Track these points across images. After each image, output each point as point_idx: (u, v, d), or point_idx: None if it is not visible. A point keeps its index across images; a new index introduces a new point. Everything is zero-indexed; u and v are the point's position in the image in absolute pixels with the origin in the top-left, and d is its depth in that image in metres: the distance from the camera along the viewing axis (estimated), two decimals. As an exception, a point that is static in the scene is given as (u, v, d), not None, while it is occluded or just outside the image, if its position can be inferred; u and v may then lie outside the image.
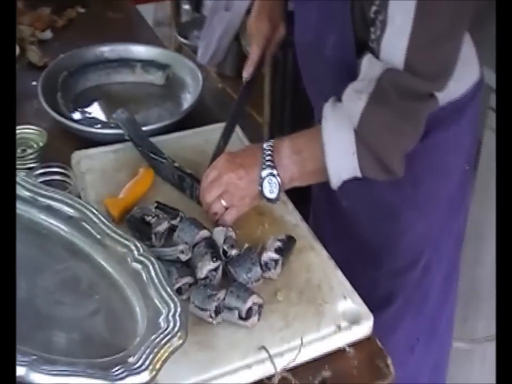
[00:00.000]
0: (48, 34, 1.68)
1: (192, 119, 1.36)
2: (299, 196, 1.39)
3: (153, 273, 0.85)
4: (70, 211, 0.94)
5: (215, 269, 0.95)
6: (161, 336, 0.76)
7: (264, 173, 0.99)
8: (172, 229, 1.03)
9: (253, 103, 2.74)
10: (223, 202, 1.03)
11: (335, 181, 0.97)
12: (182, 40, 3.04)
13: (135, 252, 0.88)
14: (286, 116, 2.51)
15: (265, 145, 1.00)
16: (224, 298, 0.91)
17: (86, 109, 1.41)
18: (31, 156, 1.20)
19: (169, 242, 1.03)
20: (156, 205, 1.06)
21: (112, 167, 1.19)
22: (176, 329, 0.77)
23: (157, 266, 0.86)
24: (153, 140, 1.24)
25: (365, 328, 0.93)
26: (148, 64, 1.48)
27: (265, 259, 0.97)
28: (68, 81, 1.42)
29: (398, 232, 1.13)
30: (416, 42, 0.85)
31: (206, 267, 0.95)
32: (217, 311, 0.90)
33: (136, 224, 1.03)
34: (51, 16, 1.73)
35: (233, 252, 0.98)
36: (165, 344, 0.75)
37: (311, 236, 1.06)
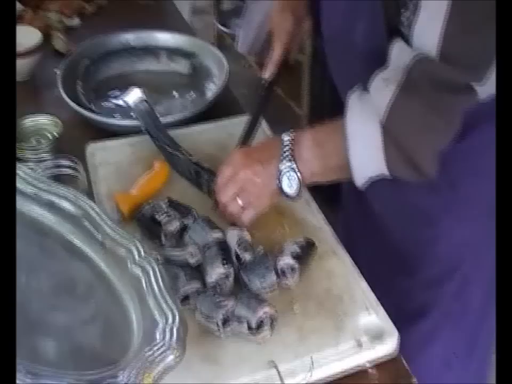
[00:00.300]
0: (76, 21, 1.63)
1: (216, 111, 1.28)
2: (328, 194, 1.30)
3: (153, 279, 0.77)
4: (72, 208, 0.87)
5: (226, 274, 0.87)
6: (155, 349, 0.69)
7: (283, 166, 0.91)
8: (184, 229, 0.95)
9: (292, 94, 2.66)
10: (239, 202, 0.95)
11: (360, 180, 0.88)
12: (222, 28, 2.97)
13: (136, 255, 0.80)
14: (325, 107, 2.41)
15: (284, 138, 0.92)
16: (233, 307, 0.83)
17: (108, 99, 1.34)
18: (45, 147, 1.14)
19: (180, 243, 0.95)
20: (167, 202, 0.99)
21: (127, 160, 1.12)
22: (171, 343, 0.69)
23: (157, 271, 0.78)
24: (173, 132, 1.17)
25: (388, 346, 0.83)
26: (173, 52, 1.41)
27: (282, 265, 0.89)
28: (90, 69, 1.37)
29: (434, 239, 1.03)
30: (453, 27, 0.75)
31: (215, 272, 0.87)
32: (225, 321, 0.83)
33: (146, 223, 0.96)
34: (80, 3, 1.67)
35: (247, 256, 0.90)
36: (158, 359, 0.68)
37: (334, 240, 0.97)
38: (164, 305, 0.74)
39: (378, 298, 1.10)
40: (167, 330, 0.71)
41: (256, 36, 2.64)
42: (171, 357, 0.69)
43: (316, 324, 0.85)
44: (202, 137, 1.17)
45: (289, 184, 0.91)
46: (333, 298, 0.88)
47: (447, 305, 1.10)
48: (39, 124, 1.19)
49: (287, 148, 0.91)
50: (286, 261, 0.88)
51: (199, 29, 3.40)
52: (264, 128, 1.18)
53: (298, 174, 0.90)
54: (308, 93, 2.53)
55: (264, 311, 0.82)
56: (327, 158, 0.90)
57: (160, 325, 0.72)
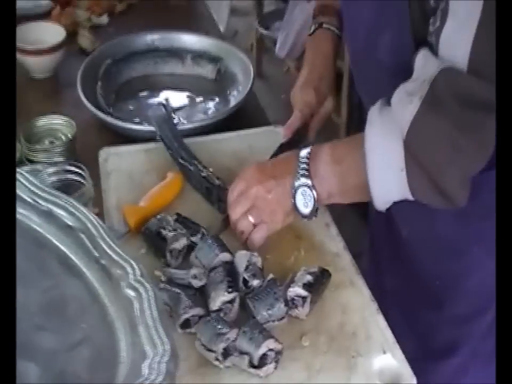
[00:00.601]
0: (104, 19, 1.58)
1: (240, 120, 1.22)
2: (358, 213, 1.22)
3: (145, 305, 0.71)
4: (70, 219, 0.81)
5: (231, 301, 0.80)
6: (141, 386, 0.62)
7: (298, 183, 0.84)
8: (192, 247, 0.89)
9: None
10: (251, 219, 0.88)
11: (380, 201, 0.80)
12: (263, 31, 2.91)
13: (131, 276, 0.74)
14: (364, 116, 2.32)
15: (302, 153, 0.85)
16: (235, 339, 0.76)
17: (129, 101, 1.29)
18: (58, 149, 1.09)
19: (187, 262, 0.89)
20: (175, 217, 0.92)
21: (141, 168, 1.06)
22: (157, 381, 0.62)
23: (151, 295, 0.72)
24: (191, 140, 1.11)
25: (404, 393, 0.75)
26: (198, 55, 1.35)
27: (292, 295, 0.82)
28: (111, 70, 1.31)
29: (464, 272, 0.95)
30: (484, 37, 0.67)
31: (219, 298, 0.80)
32: (226, 354, 0.76)
33: (152, 238, 0.90)
34: (110, 1, 1.62)
35: (255, 282, 0.83)
36: (142, 399, 0.61)
37: (353, 269, 0.89)
38: (155, 336, 0.68)
39: (404, 331, 1.03)
40: (155, 364, 0.65)
41: (295, 40, 2.60)
42: (157, 396, 0.62)
43: (326, 361, 0.77)
44: (220, 148, 1.10)
45: (305, 203, 0.85)
46: (346, 334, 0.80)
47: (477, 343, 1.01)
48: (54, 124, 1.14)
49: (303, 163, 0.84)
50: (297, 290, 0.81)
51: (239, 30, 3.35)
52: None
53: (314, 192, 0.84)
54: (346, 102, 2.46)
55: (268, 347, 0.75)
56: (345, 176, 0.83)
57: (149, 358, 0.66)
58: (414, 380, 0.76)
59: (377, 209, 0.82)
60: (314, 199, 0.84)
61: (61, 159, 1.09)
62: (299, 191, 0.84)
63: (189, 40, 1.37)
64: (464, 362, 1.02)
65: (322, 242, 0.93)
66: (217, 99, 1.30)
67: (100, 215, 1.01)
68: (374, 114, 0.80)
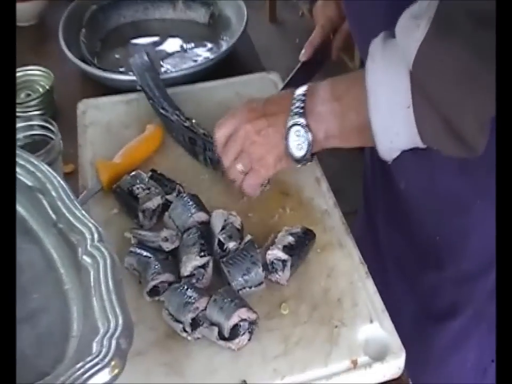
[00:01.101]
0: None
1: (233, 67, 1.13)
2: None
3: (101, 274, 0.64)
4: (29, 179, 0.74)
5: (203, 266, 0.73)
6: (86, 366, 0.56)
7: (291, 121, 0.74)
8: (168, 206, 0.82)
9: (344, 48, 2.46)
10: (239, 166, 0.80)
11: (384, 146, 0.70)
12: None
13: (89, 241, 0.67)
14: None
15: (298, 90, 0.75)
16: (205, 308, 0.69)
17: (115, 50, 1.21)
18: (34, 102, 1.03)
19: (162, 223, 0.82)
20: (150, 174, 0.85)
21: (120, 121, 0.99)
22: (106, 359, 0.56)
23: (109, 263, 0.65)
24: (177, 90, 1.03)
25: (392, 368, 0.68)
26: (190, -1, 1.26)
27: (271, 258, 0.74)
28: (98, 16, 1.23)
29: (468, 228, 0.85)
30: None
31: (191, 262, 0.73)
32: (195, 325, 0.69)
33: (123, 197, 0.83)
34: None
35: (231, 245, 0.75)
36: (87, 376, 0.55)
37: (343, 229, 0.81)
38: (108, 308, 0.61)
39: (403, 294, 0.96)
40: (106, 340, 0.58)
41: (309, -18, 2.46)
42: (104, 375, 0.56)
43: (306, 332, 0.70)
44: (207, 97, 1.02)
45: (298, 145, 0.75)
46: (331, 301, 0.73)
47: (482, 304, 0.92)
48: (30, 76, 1.07)
49: (298, 101, 0.74)
50: (276, 253, 0.74)
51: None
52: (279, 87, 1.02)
53: (309, 133, 0.74)
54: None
55: (240, 317, 0.68)
56: (345, 115, 0.73)
57: (100, 333, 0.59)
58: (403, 352, 0.69)
59: (382, 159, 0.72)
60: (308, 141, 0.74)
61: (37, 112, 1.02)
62: (292, 131, 0.74)
63: (181, -19, 1.28)
64: (468, 324, 0.94)
65: (310, 198, 0.85)
66: (209, 45, 1.21)
67: (75, 171, 0.95)
68: (375, 45, 0.69)
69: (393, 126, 0.67)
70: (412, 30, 0.63)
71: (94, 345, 0.58)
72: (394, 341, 0.69)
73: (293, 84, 0.97)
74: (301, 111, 0.74)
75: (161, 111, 0.94)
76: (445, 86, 0.62)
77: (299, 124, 0.74)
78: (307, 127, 0.74)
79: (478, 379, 0.99)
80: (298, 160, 0.77)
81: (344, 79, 0.76)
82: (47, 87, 1.05)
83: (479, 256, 0.87)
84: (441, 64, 0.62)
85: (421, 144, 0.68)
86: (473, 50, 0.59)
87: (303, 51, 0.98)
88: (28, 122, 0.89)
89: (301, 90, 0.76)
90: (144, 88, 0.98)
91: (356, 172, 1.32)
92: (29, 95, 1.05)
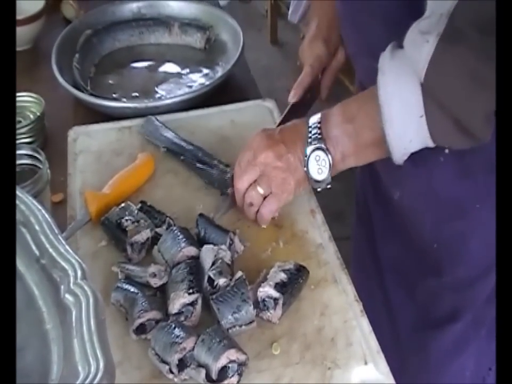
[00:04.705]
0: (92, -13, 1.47)
1: (229, 93, 1.12)
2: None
3: (84, 314, 0.61)
4: (12, 212, 0.72)
5: (192, 303, 0.71)
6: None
7: (310, 148, 0.77)
8: (158, 240, 0.79)
9: (344, 70, 2.44)
10: (259, 190, 0.80)
11: (399, 154, 0.73)
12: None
13: (72, 279, 0.64)
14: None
15: (312, 119, 0.78)
16: (193, 348, 0.66)
17: (109, 75, 1.19)
18: (24, 129, 1.01)
19: (151, 256, 0.79)
20: (140, 206, 0.82)
21: (111, 149, 0.97)
22: (85, 406, 0.53)
23: (91, 302, 0.62)
24: (171, 117, 1.01)
25: (386, 412, 0.65)
26: (187, 23, 1.24)
27: (263, 295, 0.71)
28: (92, 41, 1.21)
29: (467, 233, 0.85)
30: None
31: (179, 300, 0.70)
32: (182, 365, 0.66)
33: (112, 230, 0.81)
34: (100, -34, 1.51)
35: (221, 281, 0.73)
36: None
37: (337, 264, 0.79)
38: (90, 351, 0.58)
39: (402, 302, 0.96)
40: (86, 385, 0.56)
41: (307, 5, 2.45)
42: (83, 425, 0.53)
43: (297, 374, 0.67)
44: (200, 124, 1.00)
45: (319, 169, 0.78)
46: (324, 341, 0.70)
47: (481, 308, 0.92)
48: (21, 102, 1.05)
49: (314, 128, 0.77)
50: (268, 291, 0.71)
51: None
52: (274, 114, 1.00)
53: (329, 156, 0.77)
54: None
55: (229, 358, 0.65)
56: (359, 133, 0.76)
57: (81, 378, 0.57)
58: (399, 396, 0.66)
59: (396, 163, 0.74)
60: (329, 163, 0.77)
61: (27, 139, 1.00)
62: (312, 157, 0.77)
63: (177, 6, 1.27)
64: (466, 331, 0.93)
65: (304, 232, 0.83)
66: (205, 70, 1.19)
67: (64, 201, 0.92)
68: (384, 60, 0.71)
69: (407, 135, 0.71)
70: (421, 44, 0.67)
71: (73, 390, 0.56)
72: (389, 382, 0.66)
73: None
74: (319, 136, 0.77)
75: (198, 165, 0.90)
76: (455, 91, 0.67)
77: (319, 148, 0.77)
78: (326, 150, 0.77)
79: None
80: (318, 184, 0.79)
81: (355, 100, 0.78)
82: (38, 114, 1.03)
83: (478, 261, 0.87)
84: (451, 72, 0.66)
85: (431, 145, 0.71)
86: (479, 55, 0.64)
87: (292, 93, 0.97)
88: (16, 151, 0.86)
89: (315, 118, 0.78)
90: (171, 148, 0.94)
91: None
92: (19, 121, 1.02)
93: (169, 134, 0.95)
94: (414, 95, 0.68)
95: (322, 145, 0.77)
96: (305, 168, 0.78)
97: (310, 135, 0.78)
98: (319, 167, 0.78)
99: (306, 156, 0.78)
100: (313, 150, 0.77)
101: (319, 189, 0.80)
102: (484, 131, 0.68)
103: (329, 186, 0.79)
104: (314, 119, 0.79)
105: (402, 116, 0.70)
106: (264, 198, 0.81)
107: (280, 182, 0.80)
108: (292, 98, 0.96)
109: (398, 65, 0.70)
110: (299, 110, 0.96)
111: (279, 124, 0.91)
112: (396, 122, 0.71)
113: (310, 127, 0.78)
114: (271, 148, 0.80)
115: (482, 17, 0.64)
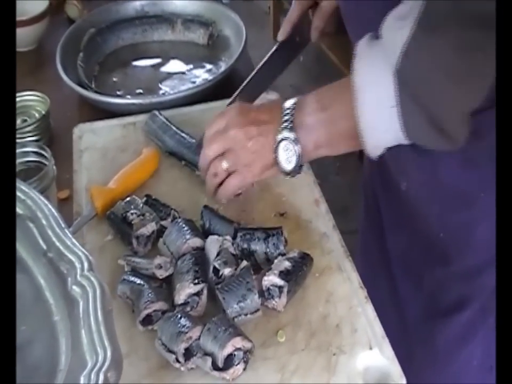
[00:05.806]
0: (96, -13, 1.48)
1: (233, 88, 1.12)
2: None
3: (91, 305, 0.62)
4: (19, 207, 0.73)
5: (198, 293, 0.72)
6: (73, 401, 0.54)
7: (280, 136, 0.75)
8: (163, 232, 0.80)
9: (346, 62, 2.44)
10: (225, 164, 0.79)
11: (370, 145, 0.70)
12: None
13: (79, 271, 0.65)
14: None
15: (286, 103, 0.76)
16: (199, 337, 0.67)
17: (113, 73, 1.20)
18: (29, 127, 1.02)
19: (157, 249, 0.80)
20: (145, 199, 0.83)
21: (116, 145, 0.98)
22: (92, 395, 0.54)
23: (98, 293, 0.63)
24: (175, 112, 1.02)
25: (392, 397, 0.66)
26: (189, 20, 1.25)
27: (267, 284, 0.72)
28: (96, 39, 1.22)
29: (473, 222, 0.84)
30: None
31: (184, 290, 0.71)
32: (188, 355, 0.67)
33: (117, 223, 0.82)
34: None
35: (227, 271, 0.73)
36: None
37: (342, 252, 0.79)
38: (97, 341, 0.59)
39: (410, 292, 0.96)
40: (93, 374, 0.56)
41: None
42: (91, 413, 0.54)
43: (303, 360, 0.68)
44: (204, 118, 1.00)
45: (288, 158, 0.76)
46: (329, 328, 0.71)
47: (489, 297, 0.91)
48: (27, 101, 1.06)
49: (287, 114, 0.75)
50: (272, 279, 0.72)
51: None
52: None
53: (297, 147, 0.74)
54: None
55: (235, 346, 0.66)
56: (333, 123, 0.74)
57: (88, 366, 0.57)
58: (404, 380, 0.66)
59: (369, 158, 0.73)
60: (297, 155, 0.75)
61: (33, 138, 1.02)
62: (281, 145, 0.75)
63: (180, 3, 1.27)
64: (474, 320, 0.93)
65: (308, 221, 0.83)
66: (208, 66, 1.20)
67: (70, 197, 0.93)
68: (361, 48, 0.70)
69: (380, 125, 0.69)
70: (397, 29, 0.65)
71: (82, 379, 0.57)
72: (394, 368, 0.67)
73: (270, 66, 0.96)
74: (290, 125, 0.75)
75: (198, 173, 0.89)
76: (429, 84, 0.64)
77: (287, 139, 0.75)
78: (296, 141, 0.74)
79: (485, 378, 0.97)
80: (287, 172, 0.77)
81: (330, 88, 0.76)
82: (43, 112, 1.04)
83: (485, 250, 0.86)
84: (426, 62, 0.64)
85: (404, 141, 0.69)
86: (456, 48, 0.62)
87: (280, 30, 0.95)
88: (22, 149, 0.88)
89: (289, 103, 0.76)
90: (172, 152, 0.94)
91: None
92: (25, 120, 1.04)
93: (169, 136, 0.95)
94: (387, 84, 0.66)
95: (292, 137, 0.74)
96: (274, 155, 0.76)
97: (282, 122, 0.76)
98: (288, 156, 0.76)
99: (276, 143, 0.76)
100: (283, 140, 0.75)
101: (287, 177, 0.78)
102: (459, 132, 0.67)
103: (298, 174, 0.77)
104: (288, 103, 0.76)
105: (374, 105, 0.68)
106: (229, 174, 0.80)
107: (246, 163, 0.78)
108: (280, 35, 0.95)
109: (374, 54, 0.69)
110: (288, 51, 0.94)
111: (264, 63, 0.91)
112: (368, 110, 0.69)
113: (284, 112, 0.76)
114: (242, 127, 0.78)
115: (464, 6, 0.61)
